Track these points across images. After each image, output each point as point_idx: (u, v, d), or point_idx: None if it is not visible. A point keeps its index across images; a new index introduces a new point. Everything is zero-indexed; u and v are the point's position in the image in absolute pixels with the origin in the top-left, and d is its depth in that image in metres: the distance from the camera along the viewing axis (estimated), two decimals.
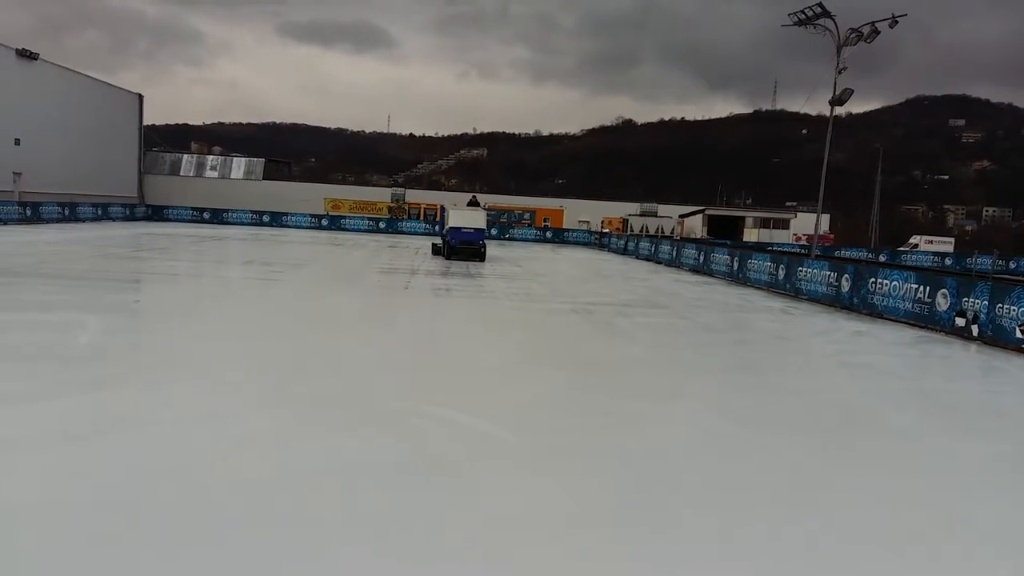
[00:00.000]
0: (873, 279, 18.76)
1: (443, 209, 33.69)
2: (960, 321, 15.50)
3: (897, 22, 27.08)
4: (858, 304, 19.09)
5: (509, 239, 53.78)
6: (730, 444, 7.30)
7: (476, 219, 30.84)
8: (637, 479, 6.10)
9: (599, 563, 4.54)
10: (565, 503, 5.53)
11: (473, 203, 34.56)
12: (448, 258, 29.81)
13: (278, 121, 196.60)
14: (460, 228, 29.84)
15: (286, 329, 12.66)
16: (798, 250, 44.67)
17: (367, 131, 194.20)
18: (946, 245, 64.88)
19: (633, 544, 4.84)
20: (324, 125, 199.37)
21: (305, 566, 4.25)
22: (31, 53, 43.87)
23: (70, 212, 43.79)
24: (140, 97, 60.04)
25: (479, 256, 29.99)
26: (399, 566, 4.36)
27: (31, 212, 39.73)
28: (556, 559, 4.57)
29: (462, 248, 29.76)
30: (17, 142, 42.73)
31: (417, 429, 7.06)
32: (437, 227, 38.77)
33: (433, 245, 33.15)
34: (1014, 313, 14.19)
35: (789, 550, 4.93)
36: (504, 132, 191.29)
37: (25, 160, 42.76)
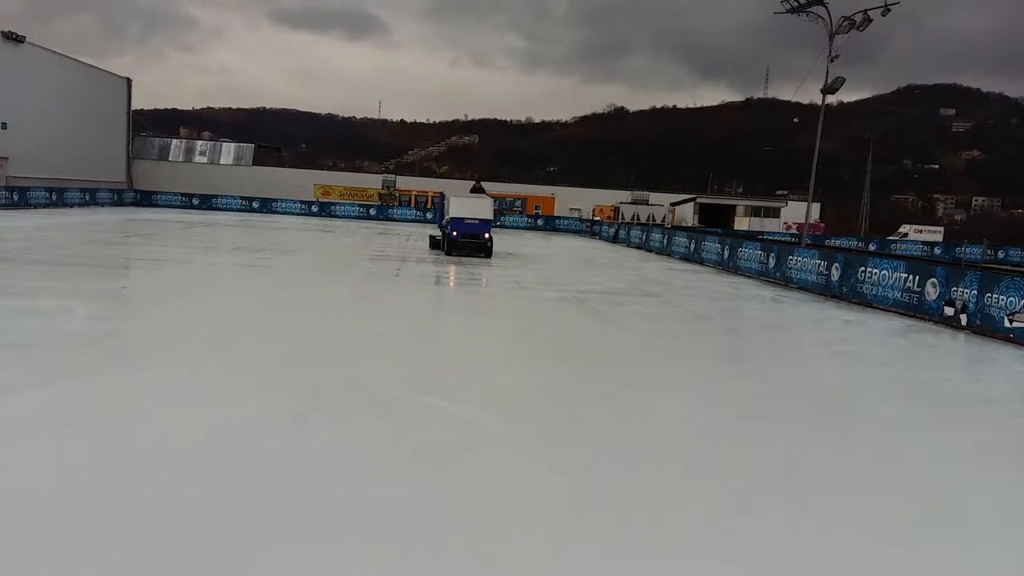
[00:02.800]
0: (863, 268, 18.80)
1: (443, 196, 29.67)
2: (949, 310, 15.56)
3: (889, 10, 27.07)
4: (848, 293, 19.14)
5: (500, 227, 53.64)
6: (721, 433, 7.30)
7: (481, 208, 26.40)
8: (629, 469, 6.09)
9: (591, 554, 4.53)
10: (557, 493, 5.52)
11: (477, 189, 29.95)
12: (448, 253, 25.96)
13: (268, 106, 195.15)
14: (463, 219, 25.84)
15: (276, 317, 12.59)
16: (788, 239, 44.80)
17: (358, 117, 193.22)
18: (935, 234, 65.20)
19: (626, 534, 4.83)
20: (315, 111, 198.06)
21: (296, 557, 4.22)
22: (17, 36, 43.36)
23: (58, 197, 43.45)
24: (128, 81, 59.51)
25: (484, 251, 26.02)
26: (391, 557, 4.34)
27: (18, 197, 39.39)
28: (548, 549, 4.56)
29: (465, 242, 25.89)
30: (4, 126, 42.31)
31: (409, 418, 7.03)
32: (435, 216, 34.23)
33: (431, 238, 29.17)
34: (1002, 302, 14.24)
35: (780, 539, 4.93)
36: (496, 119, 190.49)
37: (12, 145, 42.35)
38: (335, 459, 5.82)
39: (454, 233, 25.81)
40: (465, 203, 26.49)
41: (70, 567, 4.03)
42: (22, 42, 43.91)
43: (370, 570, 4.20)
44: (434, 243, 28.40)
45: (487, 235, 25.96)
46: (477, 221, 25.94)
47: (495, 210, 29.33)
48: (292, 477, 5.38)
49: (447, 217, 26.78)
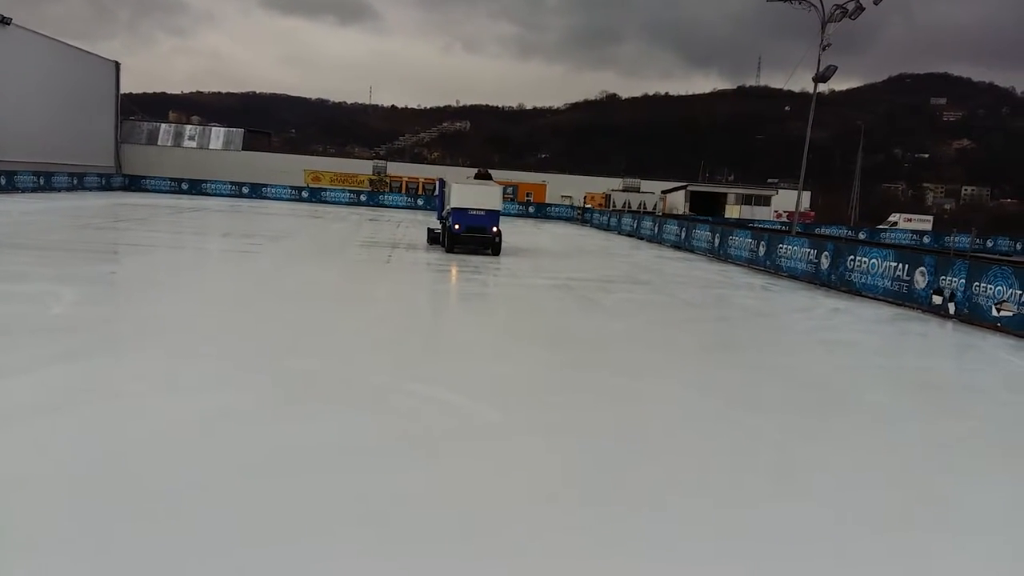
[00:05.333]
0: (852, 256, 18.86)
1: (442, 183, 25.54)
2: (937, 299, 15.63)
3: None
4: (837, 281, 19.21)
5: None
6: (710, 422, 7.33)
7: (488, 197, 22.60)
8: (622, 457, 6.11)
9: (584, 543, 4.55)
10: (550, 481, 5.53)
11: (483, 176, 25.75)
12: (450, 250, 22.27)
13: (258, 91, 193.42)
14: (466, 209, 21.98)
15: (264, 303, 12.55)
16: (779, 227, 44.87)
17: (348, 103, 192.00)
18: (925, 223, 65.42)
19: (617, 523, 4.85)
20: (305, 96, 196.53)
21: (287, 545, 4.22)
22: (3, 18, 42.83)
23: (45, 181, 43.12)
24: (117, 65, 58.98)
25: (492, 248, 22.36)
26: (384, 546, 4.34)
27: (5, 181, 39.06)
28: (541, 538, 4.57)
29: (469, 236, 22.18)
30: None
31: (399, 405, 7.02)
32: (433, 205, 30.20)
33: (429, 231, 25.20)
34: (990, 291, 14.32)
35: (768, 528, 4.95)
36: (487, 105, 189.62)
37: None
38: (326, 447, 5.81)
39: (456, 226, 22.02)
40: (469, 191, 22.63)
41: (62, 551, 4.01)
42: (8, 24, 43.36)
43: (363, 559, 4.20)
44: (433, 237, 24.53)
45: (495, 229, 22.27)
46: (483, 212, 22.12)
47: (504, 198, 25.09)
48: (282, 465, 5.37)
49: (448, 207, 22.94)
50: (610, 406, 7.57)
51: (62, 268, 14.43)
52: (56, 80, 48.51)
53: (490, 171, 26.28)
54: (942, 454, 7.03)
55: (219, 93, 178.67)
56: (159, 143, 63.48)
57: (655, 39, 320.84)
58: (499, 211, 22.72)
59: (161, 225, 26.95)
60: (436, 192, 28.63)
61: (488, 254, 22.08)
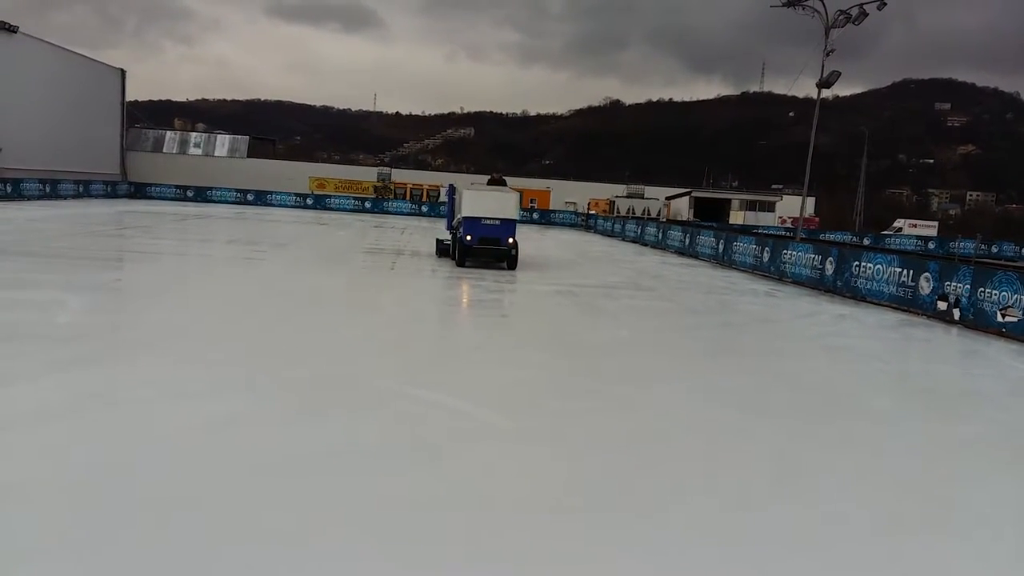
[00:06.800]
0: (857, 262, 18.85)
1: (452, 190, 23.15)
2: (942, 305, 15.61)
3: (885, 4, 27.08)
4: (841, 287, 19.19)
5: None
6: (714, 427, 7.33)
7: (503, 205, 20.28)
8: (622, 463, 6.11)
9: (584, 548, 4.55)
10: (550, 487, 5.54)
11: (497, 181, 23.52)
12: (461, 264, 20.38)
13: (263, 98, 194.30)
14: (479, 219, 19.87)
15: (269, 309, 12.57)
16: (783, 233, 44.81)
17: (353, 110, 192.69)
18: (930, 229, 65.25)
19: (618, 529, 4.85)
20: (310, 103, 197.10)
21: (293, 552, 4.23)
22: (9, 26, 43.08)
23: (51, 189, 43.31)
24: (123, 72, 59.26)
25: (508, 261, 20.42)
26: (390, 552, 4.35)
27: (11, 189, 39.25)
28: (541, 543, 4.57)
29: (482, 248, 20.11)
30: None
31: (403, 411, 7.04)
32: (443, 211, 27.60)
33: (437, 242, 23.30)
34: (995, 297, 14.30)
35: (772, 533, 4.96)
36: (491, 112, 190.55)
37: (4, 136, 42.08)
38: (332, 453, 5.82)
39: (468, 237, 19.96)
40: (482, 198, 20.42)
41: (67, 557, 4.03)
42: (15, 32, 43.64)
43: (367, 563, 4.21)
44: (442, 249, 22.70)
45: (511, 240, 20.21)
46: (498, 222, 20.02)
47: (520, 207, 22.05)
48: (289, 471, 5.39)
49: (458, 216, 20.95)
50: (615, 412, 7.58)
51: (68, 275, 14.50)
52: (62, 88, 48.78)
53: (504, 177, 25.39)
54: (946, 459, 7.02)
55: (224, 100, 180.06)
56: (164, 151, 63.74)
57: (658, 46, 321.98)
58: (515, 220, 20.62)
59: (166, 232, 27.04)
60: (444, 199, 26.74)
61: (503, 267, 20.56)
